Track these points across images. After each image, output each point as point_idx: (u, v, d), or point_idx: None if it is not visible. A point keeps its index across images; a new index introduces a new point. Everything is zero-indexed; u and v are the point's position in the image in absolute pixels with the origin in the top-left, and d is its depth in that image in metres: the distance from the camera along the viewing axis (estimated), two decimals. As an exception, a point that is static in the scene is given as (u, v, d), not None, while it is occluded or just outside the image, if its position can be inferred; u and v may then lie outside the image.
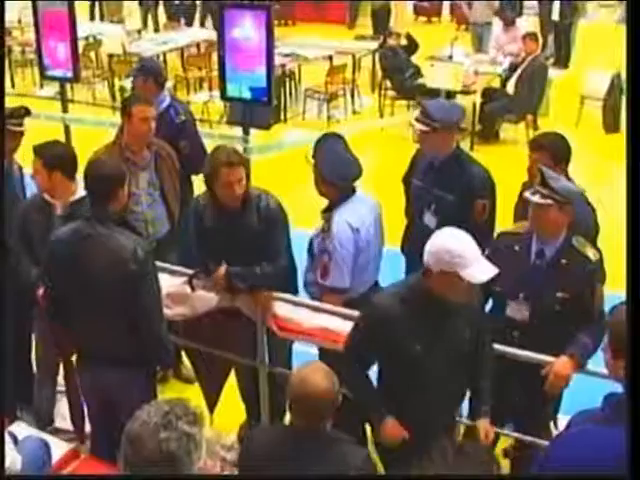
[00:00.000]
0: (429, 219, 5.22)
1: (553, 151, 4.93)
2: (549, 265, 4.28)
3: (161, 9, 18.87)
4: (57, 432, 5.17)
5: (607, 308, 3.28)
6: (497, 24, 14.04)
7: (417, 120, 5.27)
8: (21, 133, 5.47)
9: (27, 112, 5.56)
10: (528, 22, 13.84)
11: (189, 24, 17.70)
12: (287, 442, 3.42)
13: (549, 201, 4.18)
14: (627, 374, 2.59)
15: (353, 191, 4.90)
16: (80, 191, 4.86)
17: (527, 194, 4.32)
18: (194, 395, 5.33)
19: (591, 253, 4.33)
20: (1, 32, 7.44)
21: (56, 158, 4.87)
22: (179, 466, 2.60)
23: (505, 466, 4.22)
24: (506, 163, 11.04)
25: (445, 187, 5.14)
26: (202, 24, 17.93)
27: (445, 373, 3.82)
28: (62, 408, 5.49)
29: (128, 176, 4.61)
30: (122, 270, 4.16)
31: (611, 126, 12.31)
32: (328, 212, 4.86)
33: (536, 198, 4.23)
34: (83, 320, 4.36)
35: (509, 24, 13.50)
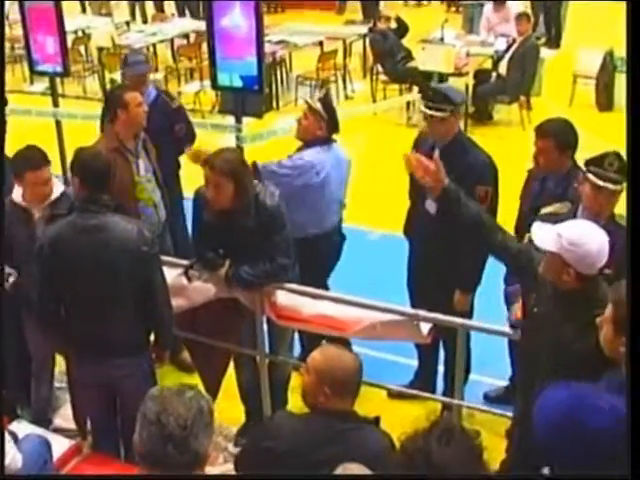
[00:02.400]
0: (429, 204, 5.19)
1: (559, 138, 4.90)
2: None
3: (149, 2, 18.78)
4: (57, 431, 5.14)
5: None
6: (487, 5, 13.96)
7: (431, 106, 5.15)
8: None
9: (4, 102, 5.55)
10: (518, 2, 13.71)
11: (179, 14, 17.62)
12: (315, 426, 3.39)
13: (619, 187, 4.13)
14: (627, 374, 2.54)
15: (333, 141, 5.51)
16: (57, 191, 4.92)
17: (596, 180, 4.21)
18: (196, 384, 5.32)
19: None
20: (1, 31, 7.40)
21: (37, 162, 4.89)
22: (206, 423, 2.65)
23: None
24: (500, 144, 11.03)
25: (446, 172, 5.10)
26: (181, 13, 17.83)
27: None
28: (61, 406, 5.48)
29: (131, 165, 4.90)
30: (134, 253, 4.26)
31: (604, 104, 12.27)
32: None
33: (611, 185, 4.14)
34: (89, 313, 4.37)
35: (500, 4, 13.42)
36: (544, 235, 3.67)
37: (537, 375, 3.86)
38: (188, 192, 7.11)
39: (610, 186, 4.15)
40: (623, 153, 3.89)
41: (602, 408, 2.58)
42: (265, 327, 5.17)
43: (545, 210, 4.58)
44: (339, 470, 2.68)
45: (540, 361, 3.90)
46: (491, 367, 5.68)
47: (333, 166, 5.55)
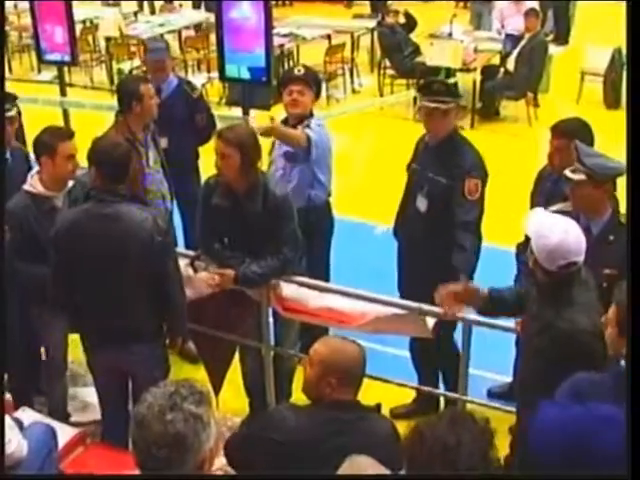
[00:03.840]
0: (420, 201, 5.18)
1: (574, 138, 4.88)
2: (596, 242, 4.17)
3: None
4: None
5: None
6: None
7: (435, 99, 5.07)
8: (12, 119, 5.44)
9: (14, 97, 5.53)
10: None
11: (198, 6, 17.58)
12: (319, 417, 3.40)
13: (582, 177, 4.18)
14: (628, 374, 2.54)
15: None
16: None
17: (567, 172, 4.29)
18: (201, 375, 5.34)
19: None
20: (1, 31, 7.40)
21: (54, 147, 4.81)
22: (188, 447, 2.55)
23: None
24: (507, 140, 11.06)
25: (437, 169, 5.07)
26: (197, 6, 17.80)
27: None
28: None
29: (142, 156, 4.96)
30: (148, 242, 4.28)
31: (612, 102, 12.24)
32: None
33: (576, 176, 4.22)
34: (103, 300, 4.40)
35: (519, 0, 13.29)
36: (530, 219, 3.82)
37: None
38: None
39: (571, 176, 4.23)
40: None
41: (602, 425, 2.61)
42: (271, 319, 5.18)
43: (553, 208, 4.58)
44: (346, 462, 2.68)
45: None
46: (495, 363, 5.67)
47: None
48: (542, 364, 3.68)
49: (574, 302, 3.67)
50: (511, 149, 10.60)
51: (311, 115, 5.70)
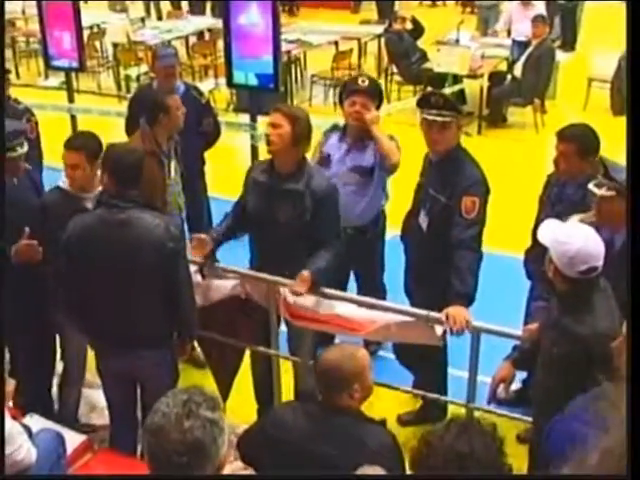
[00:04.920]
0: (422, 219, 5.16)
1: (581, 143, 4.88)
2: (619, 255, 4.12)
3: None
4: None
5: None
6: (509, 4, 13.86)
7: (434, 112, 4.97)
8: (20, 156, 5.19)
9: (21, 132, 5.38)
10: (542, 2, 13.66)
11: (193, 12, 17.61)
12: (315, 418, 3.46)
13: (611, 192, 4.17)
14: (628, 375, 2.53)
15: None
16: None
17: (592, 187, 4.28)
18: (209, 381, 5.36)
19: None
20: (1, 31, 7.41)
21: (98, 150, 4.81)
22: (206, 453, 2.57)
23: (521, 453, 4.18)
24: (514, 147, 11.05)
25: (438, 187, 5.03)
26: (212, 12, 17.83)
27: None
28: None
29: (164, 167, 5.04)
30: (160, 249, 4.28)
31: (619, 108, 12.20)
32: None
33: (602, 191, 4.20)
34: (114, 305, 4.40)
35: (528, 2, 13.26)
36: (545, 229, 3.83)
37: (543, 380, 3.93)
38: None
39: (602, 192, 4.20)
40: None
41: None
42: (285, 328, 5.20)
43: (574, 218, 4.56)
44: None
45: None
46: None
47: None
48: (563, 372, 3.67)
49: (594, 308, 3.69)
50: (518, 155, 10.59)
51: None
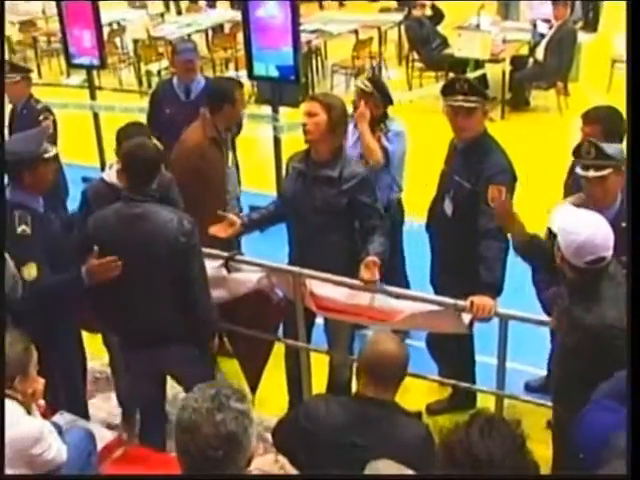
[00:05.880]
0: (447, 205, 5.13)
1: (605, 125, 4.86)
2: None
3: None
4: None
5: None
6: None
7: (460, 98, 4.90)
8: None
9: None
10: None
11: (212, 5, 17.62)
12: (350, 410, 3.44)
13: (608, 170, 4.18)
14: (628, 374, 2.51)
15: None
16: None
17: (580, 171, 4.30)
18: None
19: None
20: (1, 32, 7.45)
21: None
22: (240, 445, 2.57)
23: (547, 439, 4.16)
24: (537, 130, 10.97)
25: (464, 174, 4.99)
26: (230, 5, 17.83)
27: None
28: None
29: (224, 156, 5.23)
30: (172, 243, 4.26)
31: (644, 89, 12.10)
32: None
33: (592, 172, 4.21)
34: (131, 300, 4.40)
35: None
36: (555, 215, 3.83)
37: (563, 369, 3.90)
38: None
39: (593, 173, 4.22)
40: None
41: None
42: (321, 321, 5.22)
43: (565, 202, 4.56)
44: (367, 469, 2.66)
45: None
46: (532, 356, 5.63)
47: None
48: (576, 362, 3.66)
49: (602, 297, 3.63)
50: (542, 139, 10.50)
51: (381, 117, 5.81)
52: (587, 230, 3.59)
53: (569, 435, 3.20)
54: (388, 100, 5.86)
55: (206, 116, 5.78)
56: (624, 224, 4.12)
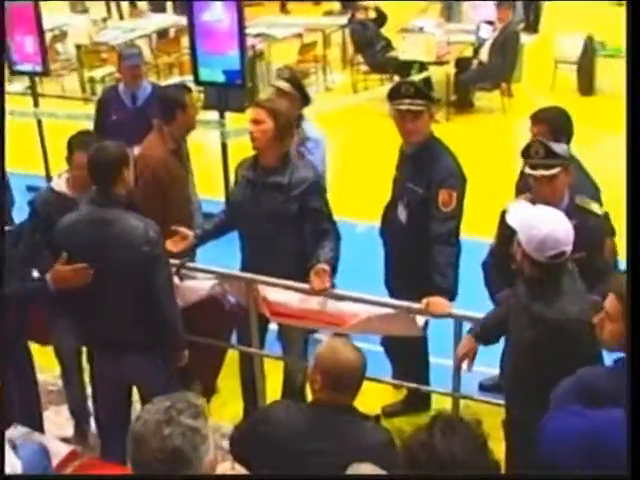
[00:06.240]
0: (401, 212, 5.14)
1: (553, 124, 4.93)
2: None
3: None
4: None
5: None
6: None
7: (407, 101, 4.89)
8: None
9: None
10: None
11: (155, 10, 17.48)
12: (309, 416, 3.42)
13: (557, 169, 4.26)
14: (628, 373, 2.53)
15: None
16: None
17: (528, 171, 4.36)
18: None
19: (596, 208, 4.46)
20: (1, 32, 7.33)
21: None
22: (187, 461, 2.52)
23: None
24: (482, 131, 11.08)
25: (415, 180, 5.00)
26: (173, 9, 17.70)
27: None
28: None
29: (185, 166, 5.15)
30: (136, 252, 4.22)
31: (586, 89, 12.30)
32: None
33: (541, 171, 4.27)
34: (96, 307, 4.36)
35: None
36: (513, 213, 3.86)
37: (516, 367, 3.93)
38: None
39: (542, 172, 4.29)
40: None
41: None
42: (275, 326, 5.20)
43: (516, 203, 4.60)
44: (349, 472, 2.65)
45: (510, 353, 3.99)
46: (485, 356, 5.65)
47: None
48: (534, 359, 3.68)
49: (563, 292, 3.69)
50: (487, 140, 10.61)
51: (299, 118, 5.71)
52: (548, 225, 3.63)
53: (528, 438, 3.22)
54: (305, 100, 5.85)
55: (162, 128, 5.68)
56: (574, 222, 4.20)
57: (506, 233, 4.13)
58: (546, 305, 3.67)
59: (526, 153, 4.39)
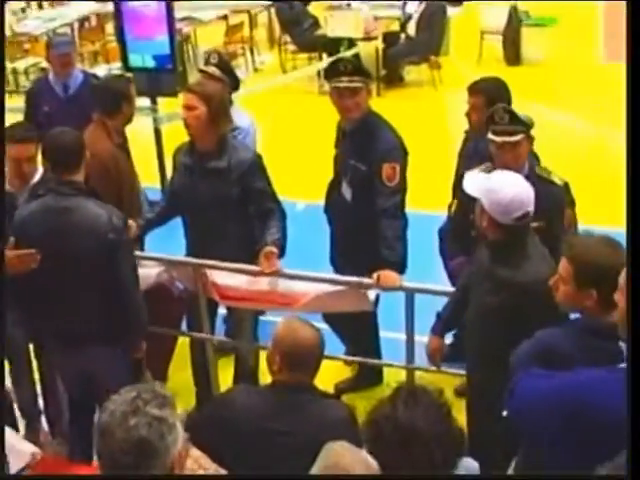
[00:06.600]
0: (345, 190, 5.14)
1: (490, 95, 4.98)
2: None
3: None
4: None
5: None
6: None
7: (344, 79, 4.89)
8: None
9: None
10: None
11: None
12: (270, 397, 3.43)
13: (521, 136, 4.37)
14: (628, 373, 2.57)
15: None
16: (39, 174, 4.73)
17: (492, 137, 4.42)
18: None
19: (557, 178, 4.56)
20: (1, 33, 7.13)
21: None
22: (154, 451, 2.48)
23: (461, 407, 4.22)
24: (413, 105, 11.11)
25: (357, 156, 5.01)
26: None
27: None
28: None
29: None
30: (100, 239, 4.14)
31: (513, 59, 12.43)
32: None
33: (506, 137, 4.36)
34: (57, 298, 4.27)
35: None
36: (471, 182, 3.91)
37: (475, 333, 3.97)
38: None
39: (509, 138, 4.37)
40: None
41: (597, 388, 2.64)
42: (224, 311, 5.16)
43: (475, 171, 4.63)
44: (323, 451, 2.64)
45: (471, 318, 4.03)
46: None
47: None
48: (501, 323, 3.71)
49: (529, 255, 3.76)
50: (418, 113, 10.64)
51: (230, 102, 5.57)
52: (513, 188, 3.71)
53: (492, 404, 3.26)
54: (235, 84, 5.78)
55: (105, 122, 5.57)
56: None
57: (463, 201, 4.17)
58: (513, 269, 3.73)
59: (491, 119, 4.45)
